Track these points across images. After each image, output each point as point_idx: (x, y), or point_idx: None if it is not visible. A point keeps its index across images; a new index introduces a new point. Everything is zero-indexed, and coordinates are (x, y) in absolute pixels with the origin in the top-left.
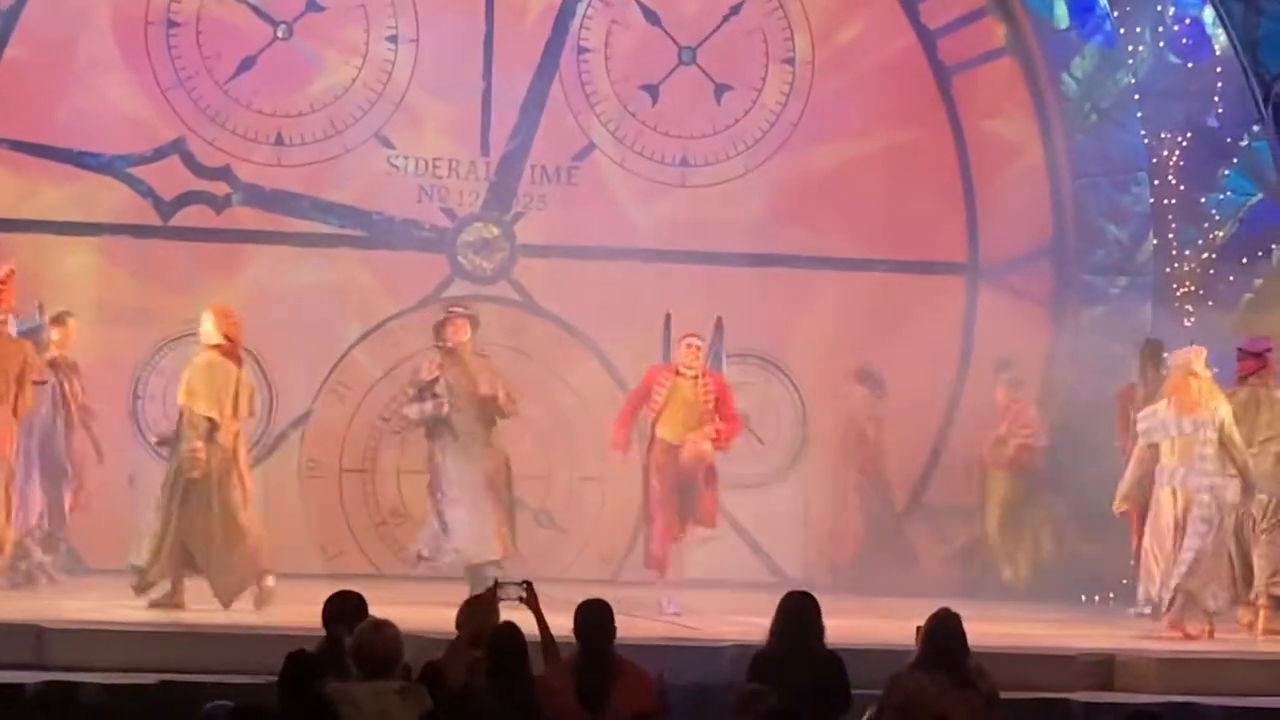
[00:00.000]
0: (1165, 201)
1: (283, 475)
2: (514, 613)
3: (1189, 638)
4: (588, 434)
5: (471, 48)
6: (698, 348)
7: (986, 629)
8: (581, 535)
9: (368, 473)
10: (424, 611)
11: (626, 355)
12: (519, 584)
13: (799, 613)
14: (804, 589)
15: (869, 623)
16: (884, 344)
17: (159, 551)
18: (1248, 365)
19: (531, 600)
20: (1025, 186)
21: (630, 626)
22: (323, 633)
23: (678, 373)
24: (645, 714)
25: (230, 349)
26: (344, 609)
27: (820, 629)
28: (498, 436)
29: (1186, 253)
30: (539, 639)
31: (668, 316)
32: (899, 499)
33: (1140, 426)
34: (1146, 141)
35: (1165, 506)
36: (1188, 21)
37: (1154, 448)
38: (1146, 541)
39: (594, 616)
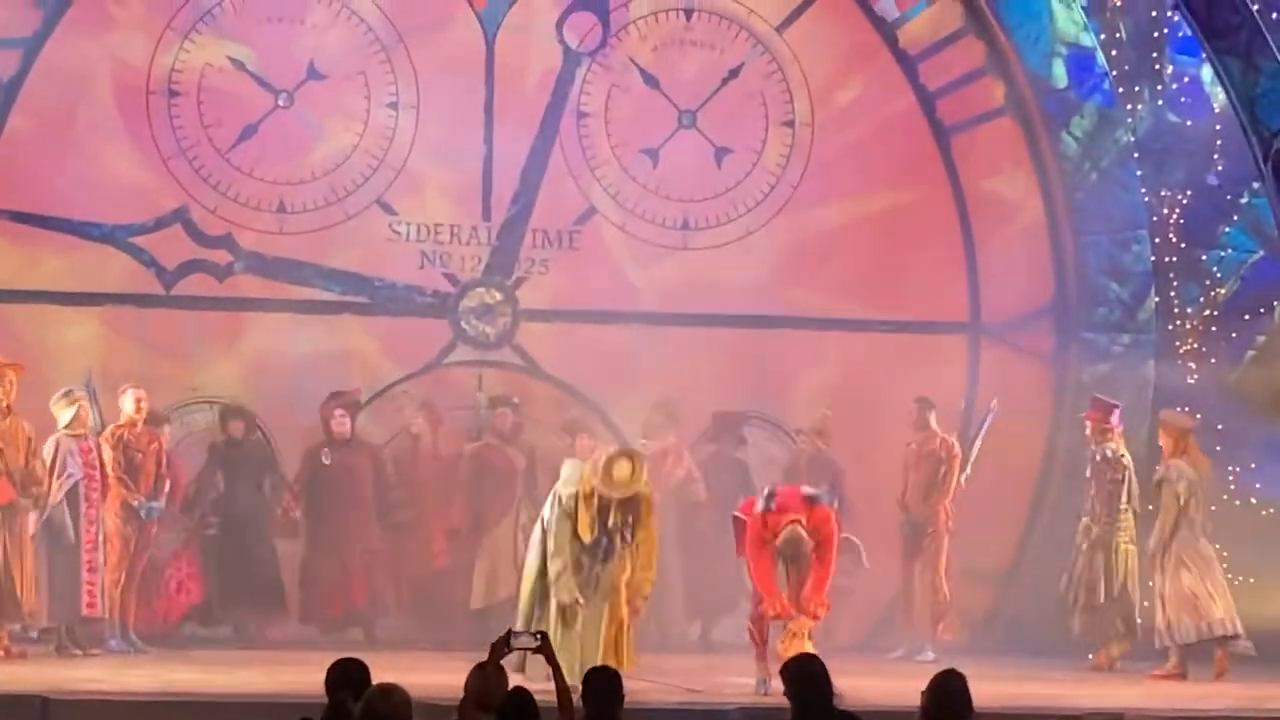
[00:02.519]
0: (1166, 259)
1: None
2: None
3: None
4: None
5: (472, 113)
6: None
7: (994, 689)
8: None
9: None
10: (427, 678)
11: (631, 418)
12: (533, 634)
13: (814, 677)
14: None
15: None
16: (888, 404)
17: None
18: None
19: (546, 650)
20: (1026, 245)
21: (636, 692)
22: (326, 700)
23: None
24: None
25: None
26: (347, 676)
27: (832, 690)
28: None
29: (1189, 310)
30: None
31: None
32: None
33: (1180, 486)
34: (1147, 199)
35: (1210, 553)
36: (1186, 80)
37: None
38: (1195, 585)
39: (603, 683)
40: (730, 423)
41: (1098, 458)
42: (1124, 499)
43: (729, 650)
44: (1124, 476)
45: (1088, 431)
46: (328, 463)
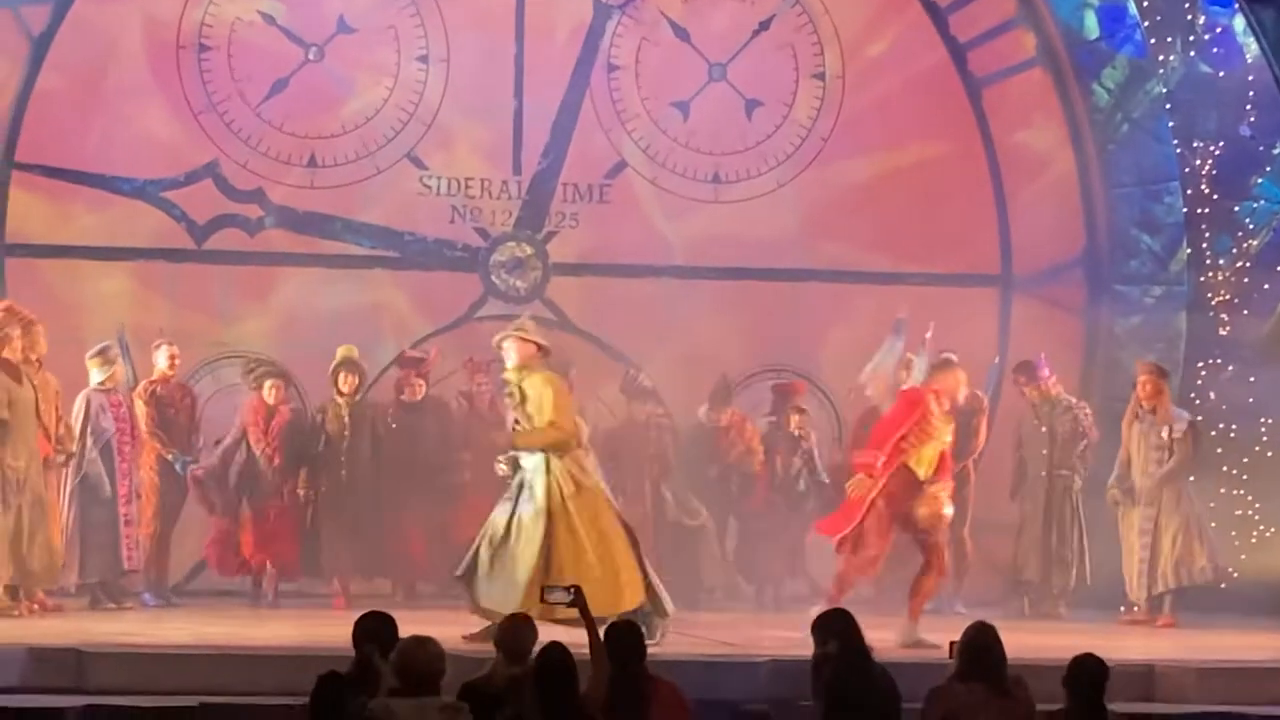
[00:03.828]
0: (1198, 211)
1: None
2: (550, 631)
3: None
4: None
5: (502, 67)
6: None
7: (1024, 640)
8: None
9: None
10: (455, 631)
11: (661, 372)
12: (566, 589)
13: (850, 632)
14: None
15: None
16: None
17: None
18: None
19: (580, 604)
20: (1057, 197)
21: (664, 642)
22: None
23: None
24: None
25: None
26: (374, 630)
27: (864, 643)
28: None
29: (1220, 262)
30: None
31: (899, 320)
32: None
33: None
34: (1179, 151)
35: None
36: (1218, 30)
37: None
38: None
39: (624, 638)
40: (789, 394)
41: (1061, 411)
42: (1081, 447)
43: (787, 608)
44: (1085, 426)
45: (1033, 400)
46: (394, 426)
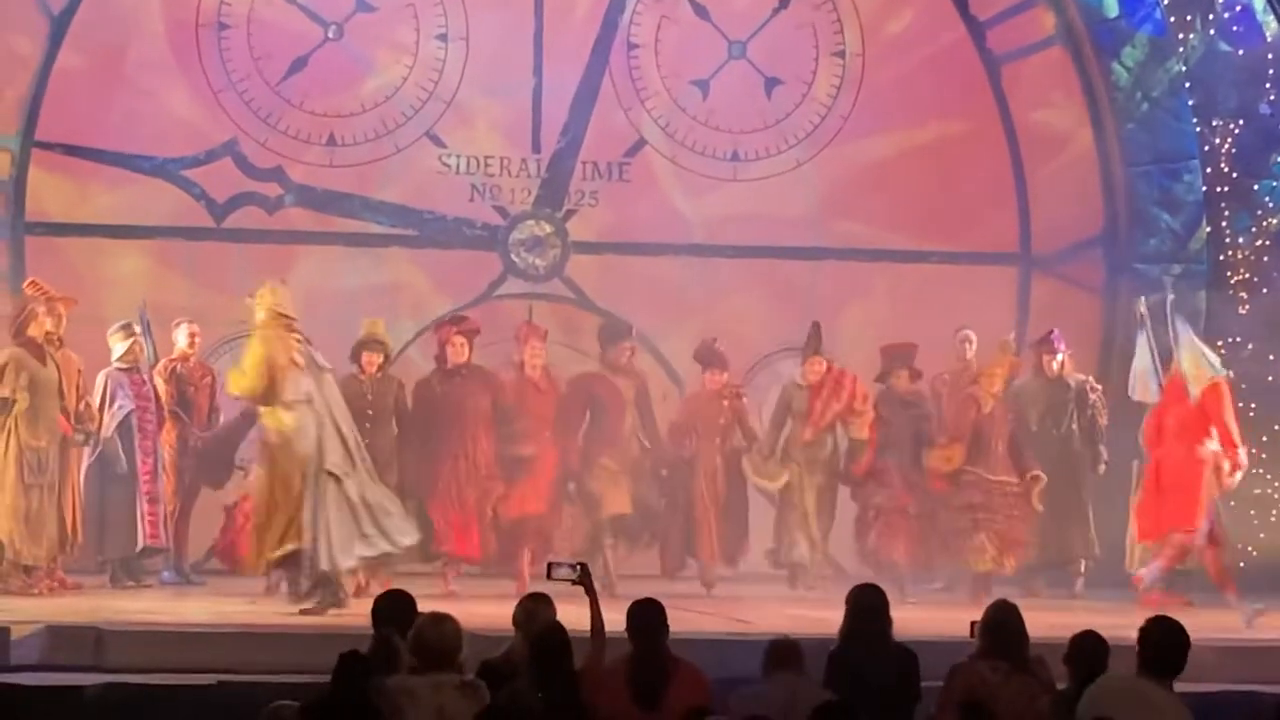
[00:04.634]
0: (1218, 189)
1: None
2: (567, 611)
3: None
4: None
5: (521, 45)
6: None
7: (1042, 619)
8: None
9: None
10: (475, 607)
11: (680, 350)
12: (572, 565)
13: (874, 608)
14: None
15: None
16: (937, 335)
17: None
18: None
19: (585, 581)
20: (1076, 176)
21: (682, 621)
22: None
23: None
24: (700, 710)
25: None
26: (393, 609)
27: (890, 622)
28: None
29: (1240, 240)
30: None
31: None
32: None
33: None
34: (1198, 129)
35: None
36: (1238, 9)
37: None
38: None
39: (647, 615)
40: (902, 355)
41: (1086, 387)
42: (1095, 425)
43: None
44: (1098, 407)
45: (1058, 369)
46: (439, 391)
